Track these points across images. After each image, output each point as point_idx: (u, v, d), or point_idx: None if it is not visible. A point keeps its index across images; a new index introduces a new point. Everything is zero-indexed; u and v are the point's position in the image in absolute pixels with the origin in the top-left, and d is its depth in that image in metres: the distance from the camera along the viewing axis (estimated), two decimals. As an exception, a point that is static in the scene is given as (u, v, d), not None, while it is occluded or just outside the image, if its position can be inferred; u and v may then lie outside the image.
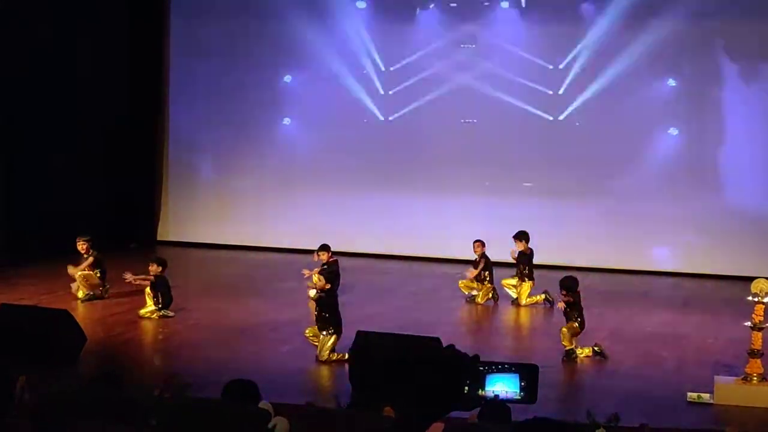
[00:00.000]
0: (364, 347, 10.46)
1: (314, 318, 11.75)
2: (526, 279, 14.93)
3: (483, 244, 15.12)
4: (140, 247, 19.05)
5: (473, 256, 15.29)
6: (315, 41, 19.12)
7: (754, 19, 17.36)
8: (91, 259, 14.51)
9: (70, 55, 18.10)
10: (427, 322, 13.38)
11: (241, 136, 19.76)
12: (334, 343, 11.45)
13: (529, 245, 15.06)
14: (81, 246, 14.57)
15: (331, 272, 12.27)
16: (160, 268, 13.59)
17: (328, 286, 11.74)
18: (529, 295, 14.86)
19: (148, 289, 13.52)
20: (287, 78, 19.47)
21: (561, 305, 12.06)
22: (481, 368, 3.45)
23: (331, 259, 14.31)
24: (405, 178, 19.21)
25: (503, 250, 15.36)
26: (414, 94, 18.94)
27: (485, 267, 14.99)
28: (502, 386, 3.38)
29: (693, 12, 17.49)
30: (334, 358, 11.36)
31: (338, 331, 11.51)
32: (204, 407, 7.65)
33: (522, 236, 15.06)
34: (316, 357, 11.45)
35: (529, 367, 3.56)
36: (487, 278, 15.00)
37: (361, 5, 19.09)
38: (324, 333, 11.48)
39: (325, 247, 14.51)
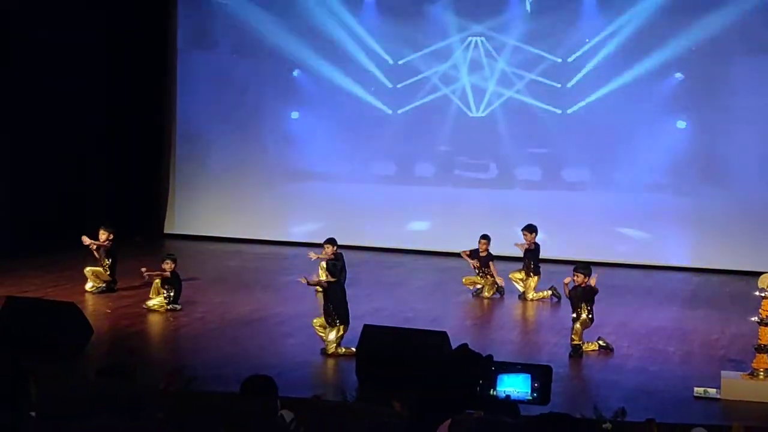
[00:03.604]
0: (371, 341, 10.46)
1: (322, 311, 11.75)
2: (533, 274, 14.90)
3: (488, 242, 15.08)
4: (146, 240, 19.05)
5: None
6: (324, 33, 19.10)
7: (763, 12, 17.32)
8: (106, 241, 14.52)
9: (77, 47, 18.09)
10: (434, 316, 13.38)
11: (249, 129, 19.75)
12: (340, 337, 11.43)
13: (536, 239, 15.04)
14: (103, 235, 14.56)
15: (336, 265, 12.25)
16: (174, 265, 13.62)
17: (332, 279, 11.73)
18: (536, 290, 14.84)
19: (158, 283, 13.52)
20: (295, 72, 19.43)
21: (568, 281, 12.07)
22: (493, 368, 3.42)
23: (336, 252, 14.35)
24: (412, 172, 19.23)
25: (510, 245, 15.35)
26: (422, 88, 18.92)
27: (486, 262, 14.95)
28: (513, 387, 3.36)
29: (701, 4, 17.52)
30: (341, 352, 11.34)
31: (345, 324, 11.50)
32: (210, 400, 7.66)
33: (532, 229, 15.03)
34: (322, 350, 11.44)
35: (542, 368, 3.52)
36: (489, 273, 14.94)
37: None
38: (331, 326, 11.47)
39: (331, 241, 14.54)
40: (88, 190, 18.74)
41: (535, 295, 14.78)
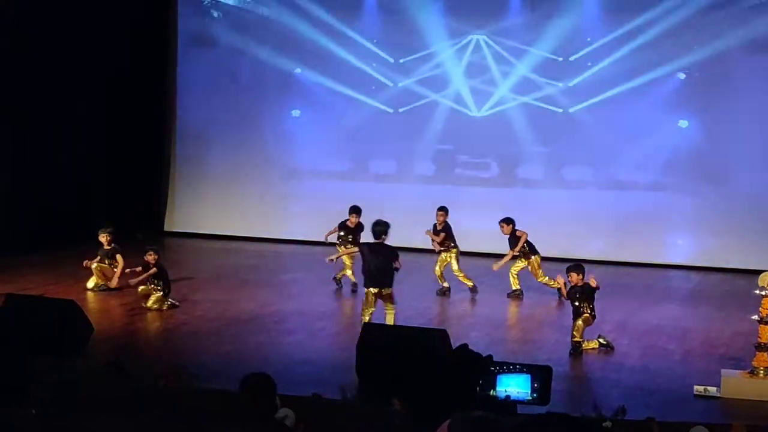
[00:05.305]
0: (371, 339, 10.45)
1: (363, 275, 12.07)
2: (531, 255, 14.75)
3: (446, 213, 15.02)
4: (147, 237, 19.03)
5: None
6: (324, 32, 19.09)
7: (764, 10, 17.32)
8: (120, 260, 14.51)
9: (77, 47, 18.06)
10: (434, 314, 13.38)
11: (249, 127, 19.74)
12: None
13: (516, 229, 14.88)
14: (103, 238, 14.60)
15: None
16: (156, 256, 13.56)
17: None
18: (541, 271, 14.69)
19: (145, 287, 13.43)
20: (297, 70, 19.43)
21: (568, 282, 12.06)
22: (493, 368, 3.42)
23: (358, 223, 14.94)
24: (412, 171, 19.22)
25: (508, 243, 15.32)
26: (422, 87, 18.91)
27: (448, 235, 14.93)
28: (513, 387, 3.36)
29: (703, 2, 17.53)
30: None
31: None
32: (209, 398, 7.66)
33: (509, 221, 14.83)
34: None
35: (542, 368, 3.52)
36: (452, 244, 14.90)
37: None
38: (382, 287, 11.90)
39: (355, 209, 14.82)
40: (89, 188, 18.72)
41: (542, 279, 14.64)
